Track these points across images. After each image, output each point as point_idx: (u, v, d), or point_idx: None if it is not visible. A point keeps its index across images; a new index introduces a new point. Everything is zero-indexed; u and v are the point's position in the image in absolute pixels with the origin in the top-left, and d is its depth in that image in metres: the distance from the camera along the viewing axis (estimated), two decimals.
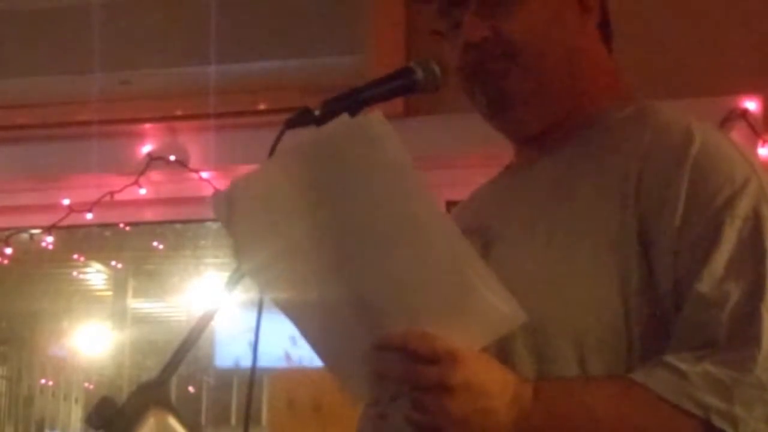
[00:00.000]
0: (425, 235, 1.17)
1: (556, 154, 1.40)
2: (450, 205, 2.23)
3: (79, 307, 6.42)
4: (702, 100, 2.60)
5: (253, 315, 1.29)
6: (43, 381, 7.12)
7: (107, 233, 4.54)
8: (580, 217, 1.31)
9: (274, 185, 1.21)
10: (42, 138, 3.13)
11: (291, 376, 3.34)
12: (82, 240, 4.84)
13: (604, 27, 1.47)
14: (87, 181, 3.09)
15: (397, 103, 2.57)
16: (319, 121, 1.28)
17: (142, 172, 3.03)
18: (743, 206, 1.25)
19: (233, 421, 6.72)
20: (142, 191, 3.05)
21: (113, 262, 5.83)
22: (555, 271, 1.28)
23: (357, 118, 1.18)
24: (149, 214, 3.27)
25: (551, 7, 1.40)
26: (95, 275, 6.22)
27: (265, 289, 1.26)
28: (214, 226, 4.48)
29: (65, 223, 3.12)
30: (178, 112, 3.07)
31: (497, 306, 1.17)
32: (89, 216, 3.08)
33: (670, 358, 1.20)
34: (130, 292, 6.09)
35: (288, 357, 4.13)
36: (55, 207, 3.12)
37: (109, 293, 6.26)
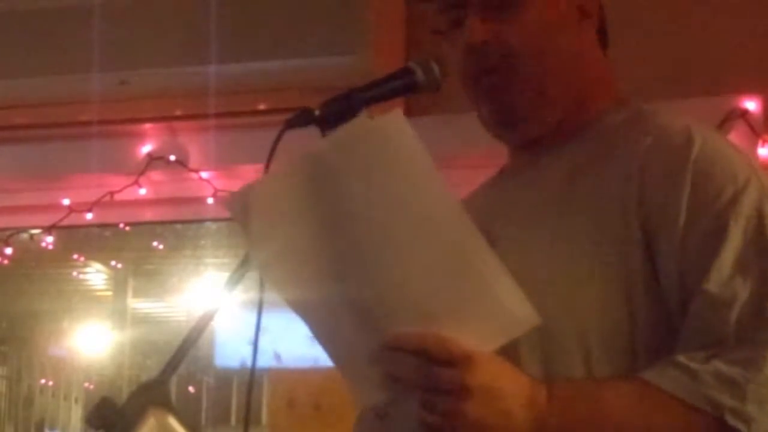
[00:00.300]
0: (442, 235, 1.17)
1: (555, 158, 1.40)
2: None
3: (79, 307, 6.42)
4: (702, 100, 2.61)
5: (253, 315, 1.29)
6: (43, 381, 7.13)
7: (107, 233, 4.54)
8: (583, 220, 1.31)
9: (291, 185, 1.21)
10: (42, 138, 3.13)
11: (291, 376, 3.34)
12: (82, 240, 4.84)
13: (601, 32, 1.48)
14: (87, 181, 3.09)
15: (397, 103, 2.57)
16: (319, 121, 1.28)
17: (142, 172, 3.03)
18: (747, 205, 1.26)
19: (233, 421, 6.72)
20: (142, 191, 3.06)
21: (113, 262, 5.83)
22: (558, 273, 1.29)
23: (377, 117, 1.18)
24: (149, 214, 3.27)
25: (552, 12, 1.40)
26: (95, 275, 6.23)
27: (277, 288, 1.25)
28: (214, 226, 4.49)
29: (65, 223, 3.12)
30: (178, 112, 3.07)
31: (512, 308, 1.17)
32: (89, 216, 3.09)
33: (680, 358, 1.21)
34: (130, 292, 6.09)
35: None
36: (55, 207, 3.12)
37: (109, 293, 6.26)
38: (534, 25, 1.38)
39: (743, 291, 1.22)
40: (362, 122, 1.20)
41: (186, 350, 1.21)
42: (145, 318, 6.41)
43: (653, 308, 1.26)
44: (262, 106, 2.97)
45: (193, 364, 6.11)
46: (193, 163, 3.03)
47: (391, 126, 1.16)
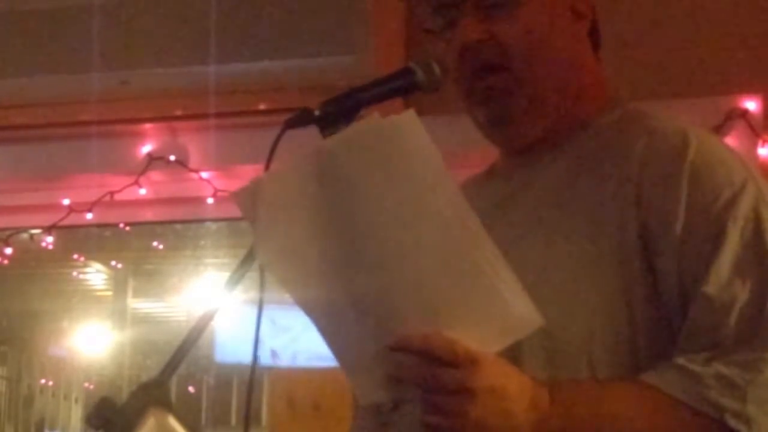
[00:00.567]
0: (449, 235, 1.17)
1: (550, 159, 1.40)
2: None
3: (79, 307, 6.43)
4: (702, 100, 2.61)
5: (254, 315, 1.29)
6: (43, 381, 7.13)
7: (107, 233, 4.54)
8: (579, 223, 1.31)
9: (300, 181, 1.21)
10: (42, 138, 3.13)
11: (291, 376, 3.34)
12: (82, 240, 4.85)
13: (593, 34, 1.48)
14: (87, 181, 3.09)
15: (397, 103, 2.57)
16: (319, 121, 1.28)
17: (142, 172, 3.03)
18: (744, 207, 1.26)
19: (233, 421, 6.72)
20: (142, 191, 3.06)
21: (113, 262, 5.84)
22: (558, 275, 1.29)
23: (389, 116, 1.18)
24: (149, 214, 3.27)
25: (546, 12, 1.40)
26: (95, 275, 6.23)
27: (282, 284, 1.25)
28: (214, 226, 4.49)
29: (65, 223, 3.12)
30: (178, 112, 3.07)
31: (516, 310, 1.17)
32: (89, 216, 3.09)
33: (681, 360, 1.21)
34: (130, 292, 6.10)
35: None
36: (55, 207, 3.12)
37: (109, 293, 6.26)
38: (528, 25, 1.38)
39: (742, 293, 1.22)
40: (374, 120, 1.20)
41: (186, 350, 1.20)
42: (145, 318, 6.41)
43: (653, 310, 1.26)
44: (262, 106, 2.97)
45: (193, 364, 6.11)
46: (193, 163, 3.03)
47: (403, 125, 1.16)
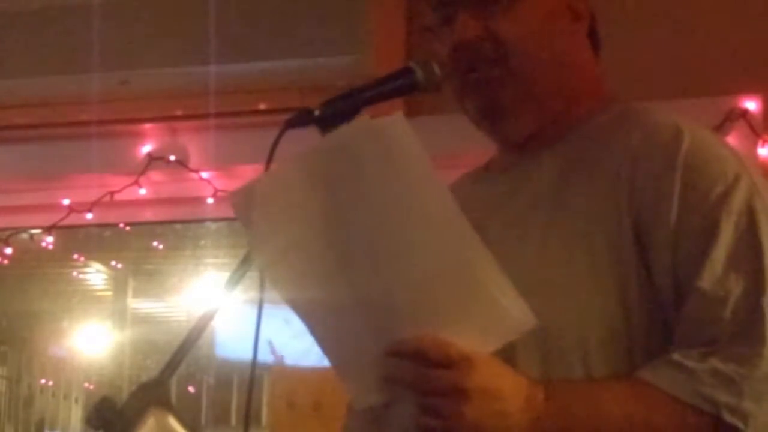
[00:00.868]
0: (439, 237, 1.17)
1: (545, 157, 1.40)
2: None
3: (79, 307, 6.42)
4: (702, 100, 2.60)
5: (253, 314, 1.29)
6: (43, 381, 7.12)
7: (107, 233, 4.54)
8: (574, 220, 1.31)
9: (292, 184, 1.21)
10: (42, 138, 3.13)
11: (291, 376, 3.34)
12: (82, 240, 4.84)
13: (592, 35, 1.48)
14: (87, 181, 3.09)
15: (397, 103, 2.57)
16: (319, 121, 1.28)
17: (142, 172, 3.03)
18: (737, 201, 1.26)
19: (233, 421, 6.72)
20: (142, 191, 3.06)
21: (113, 262, 5.82)
22: (553, 273, 1.29)
23: (378, 118, 1.18)
24: (149, 214, 3.27)
25: (544, 10, 1.41)
26: (95, 275, 6.22)
27: (276, 286, 1.25)
28: (214, 226, 4.48)
29: (65, 223, 3.12)
30: (178, 112, 3.07)
31: (509, 310, 1.17)
32: (89, 216, 3.09)
33: (676, 356, 1.21)
34: (130, 292, 6.09)
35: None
36: (55, 207, 3.12)
37: (109, 293, 6.25)
38: (525, 22, 1.39)
39: (736, 288, 1.22)
40: (362, 122, 1.20)
41: (186, 350, 1.21)
42: (145, 318, 6.40)
43: (648, 305, 1.26)
44: (262, 106, 2.97)
45: (193, 364, 6.10)
46: (193, 163, 3.03)
47: (391, 127, 1.17)
